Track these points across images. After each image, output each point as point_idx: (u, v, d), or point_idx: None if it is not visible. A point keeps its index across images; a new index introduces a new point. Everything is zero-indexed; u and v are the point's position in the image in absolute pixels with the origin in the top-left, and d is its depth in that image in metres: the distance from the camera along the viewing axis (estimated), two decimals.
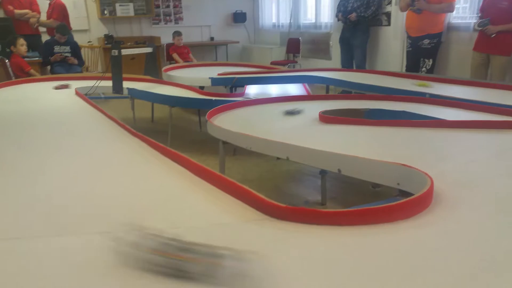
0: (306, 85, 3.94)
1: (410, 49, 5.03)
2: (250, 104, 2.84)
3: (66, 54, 5.65)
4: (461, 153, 1.78)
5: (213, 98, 3.42)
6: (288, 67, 6.83)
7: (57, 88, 3.64)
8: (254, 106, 2.80)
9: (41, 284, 0.91)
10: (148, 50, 4.46)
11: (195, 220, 1.26)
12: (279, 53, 7.97)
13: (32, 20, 5.90)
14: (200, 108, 4.08)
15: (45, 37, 6.09)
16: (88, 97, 3.35)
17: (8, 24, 5.70)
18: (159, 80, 4.32)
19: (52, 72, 5.61)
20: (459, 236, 1.10)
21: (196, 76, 4.39)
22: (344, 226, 1.13)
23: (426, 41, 4.83)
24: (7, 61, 5.02)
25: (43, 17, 6.15)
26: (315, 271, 0.94)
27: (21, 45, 5.11)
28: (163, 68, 4.75)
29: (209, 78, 4.00)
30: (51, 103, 3.21)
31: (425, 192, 1.23)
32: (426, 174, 1.35)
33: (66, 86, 3.68)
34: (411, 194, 1.26)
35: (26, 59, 5.25)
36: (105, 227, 1.19)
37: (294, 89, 3.90)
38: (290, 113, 2.17)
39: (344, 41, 5.98)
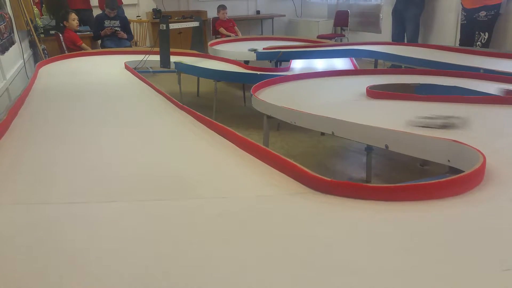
0: (354, 59, 3.85)
1: (465, 22, 4.77)
2: (295, 78, 2.82)
3: (116, 28, 5.78)
4: None
5: (258, 72, 3.41)
6: (335, 41, 6.67)
7: None
8: (299, 80, 2.78)
9: (92, 246, 0.96)
10: (195, 24, 4.49)
11: (241, 191, 1.28)
12: (326, 27, 7.78)
13: None
14: (245, 82, 4.09)
15: (96, 12, 6.25)
16: (137, 70, 3.43)
17: None
18: (205, 54, 4.35)
19: (102, 46, 5.77)
20: (510, 214, 1.07)
21: (241, 50, 4.39)
22: (390, 202, 1.11)
23: (483, 13, 4.55)
24: (60, 35, 5.20)
25: None
26: (360, 245, 0.94)
27: (73, 20, 5.26)
28: (209, 43, 4.78)
29: (255, 52, 3.98)
30: (102, 76, 3.32)
31: (477, 168, 1.19)
32: (478, 151, 1.30)
33: None
34: (462, 172, 1.22)
35: (78, 33, 5.41)
36: (155, 194, 1.24)
37: (341, 63, 3.82)
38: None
39: (397, 14, 5.76)
